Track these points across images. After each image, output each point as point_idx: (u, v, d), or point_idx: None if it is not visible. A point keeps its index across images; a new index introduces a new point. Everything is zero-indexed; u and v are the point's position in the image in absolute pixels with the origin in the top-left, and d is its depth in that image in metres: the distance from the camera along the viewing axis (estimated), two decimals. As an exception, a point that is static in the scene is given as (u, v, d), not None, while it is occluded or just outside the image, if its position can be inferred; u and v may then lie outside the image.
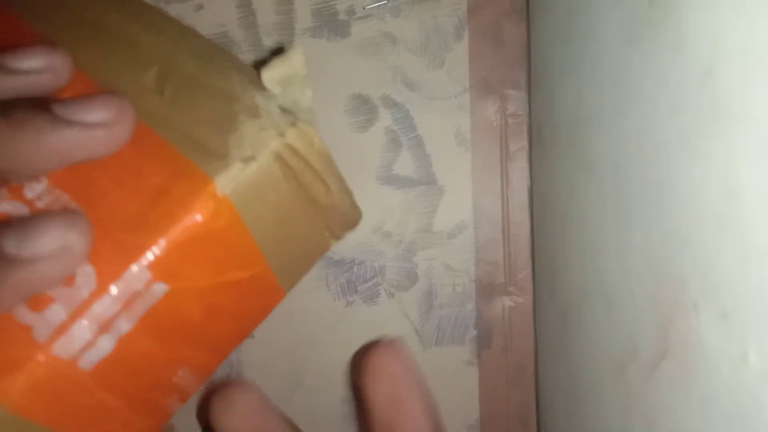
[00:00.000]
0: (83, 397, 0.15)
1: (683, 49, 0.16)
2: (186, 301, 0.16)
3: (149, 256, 0.15)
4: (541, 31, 0.31)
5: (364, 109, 0.34)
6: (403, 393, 0.19)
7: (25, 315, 0.14)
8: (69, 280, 0.15)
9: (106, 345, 0.15)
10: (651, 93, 0.19)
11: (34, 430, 0.15)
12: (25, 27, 0.19)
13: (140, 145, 0.16)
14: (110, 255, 0.15)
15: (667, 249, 0.18)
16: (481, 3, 0.34)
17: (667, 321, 0.18)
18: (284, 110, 0.16)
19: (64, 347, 0.14)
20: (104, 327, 0.15)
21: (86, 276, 0.15)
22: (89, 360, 0.15)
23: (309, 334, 0.34)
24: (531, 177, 0.33)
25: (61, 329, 0.14)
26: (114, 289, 0.15)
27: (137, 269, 0.15)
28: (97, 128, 0.16)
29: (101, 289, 0.15)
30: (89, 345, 0.15)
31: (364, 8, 0.34)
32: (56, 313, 0.14)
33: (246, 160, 0.15)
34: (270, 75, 0.16)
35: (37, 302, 0.15)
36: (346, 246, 0.34)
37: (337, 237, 0.19)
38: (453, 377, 0.34)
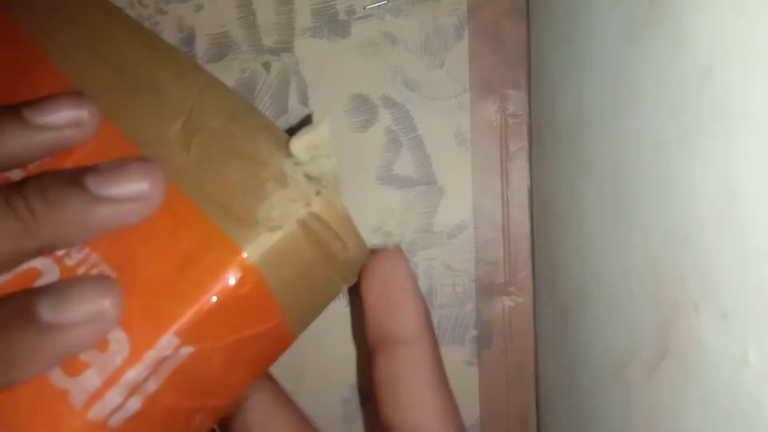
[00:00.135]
0: None
1: (683, 49, 0.16)
2: (208, 359, 0.16)
3: (179, 324, 0.15)
4: (541, 31, 0.31)
5: (364, 109, 0.34)
6: (395, 295, 0.19)
7: (61, 380, 0.15)
8: (103, 345, 0.15)
9: (134, 405, 0.15)
10: (651, 93, 0.19)
11: None
12: (49, 67, 0.20)
13: (170, 207, 0.16)
14: (142, 323, 0.15)
15: (667, 249, 0.18)
16: (481, 3, 0.34)
17: (667, 321, 0.18)
18: (310, 178, 0.16)
19: (98, 412, 0.15)
20: (134, 390, 0.15)
21: (119, 343, 0.15)
22: (118, 419, 0.15)
23: (309, 333, 0.34)
24: (531, 177, 0.33)
25: (96, 396, 0.15)
26: (146, 358, 0.15)
27: (168, 338, 0.15)
28: (133, 202, 0.16)
29: (134, 357, 0.15)
30: (120, 407, 0.15)
31: (364, 8, 0.34)
32: (91, 379, 0.15)
33: (273, 229, 0.16)
34: (298, 144, 0.16)
35: (73, 367, 0.15)
36: (346, 246, 0.34)
37: (349, 282, 0.20)
38: (453, 377, 0.33)
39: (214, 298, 0.15)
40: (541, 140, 0.31)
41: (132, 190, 0.16)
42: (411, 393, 0.19)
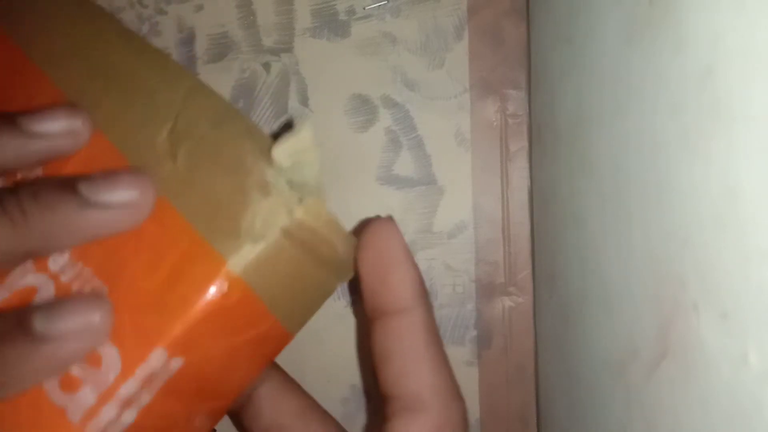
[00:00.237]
0: None
1: (683, 49, 0.16)
2: (201, 366, 0.17)
3: (167, 339, 0.16)
4: (541, 31, 0.31)
5: (364, 109, 0.34)
6: (388, 266, 0.19)
7: (59, 398, 0.16)
8: (96, 361, 0.16)
9: (128, 418, 0.16)
10: (651, 93, 0.19)
11: None
12: (42, 78, 0.20)
13: (157, 218, 0.17)
14: (132, 338, 0.16)
15: (667, 249, 0.18)
16: (481, 3, 0.34)
17: (667, 321, 0.18)
18: (293, 185, 0.17)
19: (95, 427, 0.16)
20: (128, 404, 0.16)
21: (112, 358, 0.16)
22: (115, 431, 0.16)
23: (310, 333, 0.34)
24: (531, 177, 0.33)
25: (92, 412, 0.16)
26: (138, 373, 0.16)
27: (157, 352, 0.16)
28: (123, 209, 0.17)
29: (126, 373, 0.16)
30: (114, 421, 0.16)
31: (364, 8, 0.34)
32: (86, 395, 0.16)
33: (256, 240, 0.16)
34: (280, 151, 0.16)
35: (69, 385, 0.16)
36: (346, 246, 0.34)
37: (344, 279, 0.20)
38: (453, 377, 0.34)
39: (201, 311, 0.16)
40: (541, 140, 0.31)
41: (123, 197, 0.17)
42: (405, 364, 0.19)
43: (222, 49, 0.35)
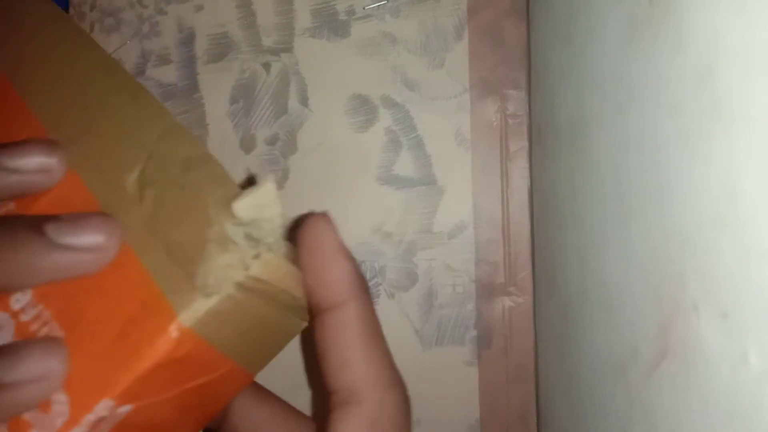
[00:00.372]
0: None
1: (683, 49, 0.16)
2: (151, 411, 0.17)
3: (115, 390, 0.16)
4: (541, 31, 0.31)
5: (364, 109, 0.34)
6: (319, 262, 0.19)
7: None
8: (46, 407, 0.16)
9: None
10: (651, 93, 0.19)
11: None
12: (23, 109, 0.20)
13: (120, 265, 0.17)
14: (82, 386, 0.16)
15: (667, 249, 0.18)
16: (481, 3, 0.34)
17: (667, 321, 0.18)
18: (252, 239, 0.17)
19: None
20: None
21: (61, 405, 0.16)
22: None
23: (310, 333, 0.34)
24: (531, 177, 0.33)
25: None
26: (84, 422, 0.16)
27: (105, 402, 0.16)
28: (87, 252, 0.17)
29: (73, 420, 0.16)
30: None
31: (364, 8, 0.34)
32: None
33: (209, 294, 0.16)
34: (241, 206, 0.16)
35: (17, 428, 0.16)
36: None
37: (309, 319, 0.20)
38: (453, 377, 0.33)
39: (150, 363, 0.16)
40: (541, 140, 0.31)
41: (88, 241, 0.17)
42: (341, 358, 0.19)
43: (222, 49, 0.35)
